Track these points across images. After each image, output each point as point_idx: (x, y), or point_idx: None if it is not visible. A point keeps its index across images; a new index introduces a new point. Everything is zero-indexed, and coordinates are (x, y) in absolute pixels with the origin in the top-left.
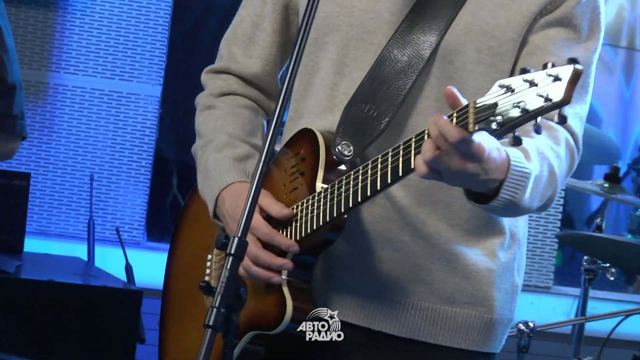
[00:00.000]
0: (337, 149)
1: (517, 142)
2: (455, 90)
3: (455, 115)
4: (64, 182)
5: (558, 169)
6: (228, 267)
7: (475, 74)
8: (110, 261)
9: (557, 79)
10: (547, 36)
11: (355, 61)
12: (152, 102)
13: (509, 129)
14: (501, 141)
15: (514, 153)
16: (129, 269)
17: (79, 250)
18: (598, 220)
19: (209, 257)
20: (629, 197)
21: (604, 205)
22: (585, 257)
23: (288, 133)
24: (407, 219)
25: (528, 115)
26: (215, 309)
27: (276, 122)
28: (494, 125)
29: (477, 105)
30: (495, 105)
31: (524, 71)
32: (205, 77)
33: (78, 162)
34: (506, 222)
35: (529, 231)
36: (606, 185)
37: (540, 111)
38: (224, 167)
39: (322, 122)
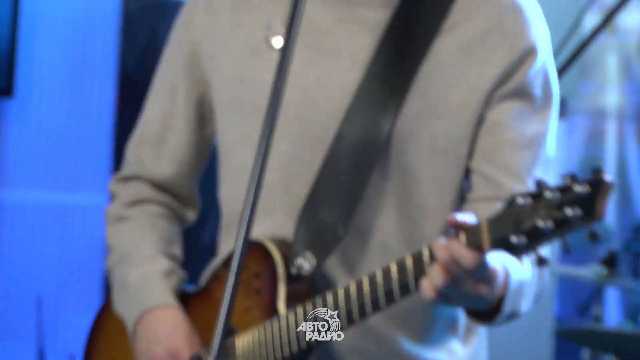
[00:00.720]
0: (296, 262)
1: (542, 262)
2: (458, 219)
3: (465, 235)
4: (7, 308)
5: None
6: None
7: (430, 163)
8: None
9: (585, 193)
10: (504, 110)
11: (294, 158)
12: (99, 212)
13: (530, 250)
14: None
15: (510, 262)
16: None
17: None
18: (595, 309)
19: None
20: (627, 282)
21: (600, 293)
22: (587, 351)
23: (224, 245)
24: (369, 327)
25: (556, 235)
26: None
27: (253, 206)
28: (515, 246)
29: (491, 225)
30: (514, 224)
31: (541, 184)
32: (114, 187)
33: (22, 285)
34: (461, 316)
35: (521, 327)
36: (603, 271)
37: (571, 229)
38: (148, 283)
39: (264, 227)
